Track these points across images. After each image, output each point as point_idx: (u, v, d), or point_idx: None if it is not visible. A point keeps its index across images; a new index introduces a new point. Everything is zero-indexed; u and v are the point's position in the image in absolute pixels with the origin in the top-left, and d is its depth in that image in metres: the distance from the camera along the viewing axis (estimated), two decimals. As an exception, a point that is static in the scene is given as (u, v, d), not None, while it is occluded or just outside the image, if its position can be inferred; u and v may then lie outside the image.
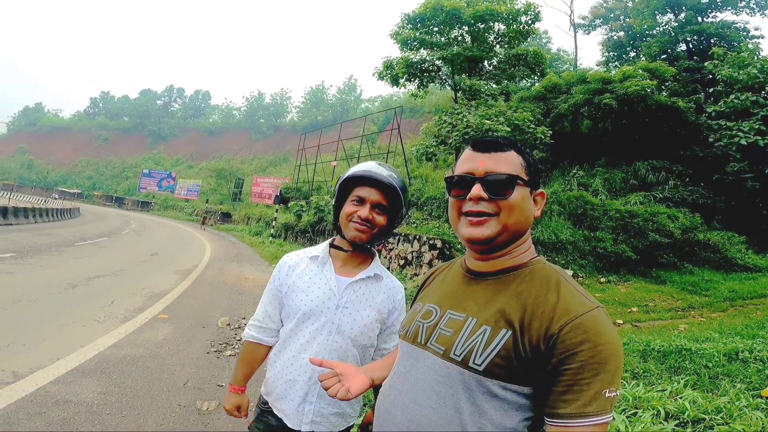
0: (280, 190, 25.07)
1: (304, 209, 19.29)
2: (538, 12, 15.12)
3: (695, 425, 2.25)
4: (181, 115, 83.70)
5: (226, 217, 35.56)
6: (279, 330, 1.39)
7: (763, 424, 2.14)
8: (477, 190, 0.86)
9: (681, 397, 2.61)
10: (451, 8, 14.96)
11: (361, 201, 1.29)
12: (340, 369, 1.00)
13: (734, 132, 13.59)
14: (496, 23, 15.37)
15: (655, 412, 2.44)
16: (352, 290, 1.31)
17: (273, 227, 21.44)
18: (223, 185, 45.92)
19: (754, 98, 13.89)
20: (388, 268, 12.12)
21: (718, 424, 2.20)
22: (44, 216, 19.05)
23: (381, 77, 17.18)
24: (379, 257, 1.88)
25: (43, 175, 70.52)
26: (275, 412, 1.32)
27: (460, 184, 0.90)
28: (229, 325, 5.43)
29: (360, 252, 1.36)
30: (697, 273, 10.54)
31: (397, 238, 11.82)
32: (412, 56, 15.99)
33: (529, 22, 15.17)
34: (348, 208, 1.31)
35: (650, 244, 11.14)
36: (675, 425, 2.25)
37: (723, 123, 14.21)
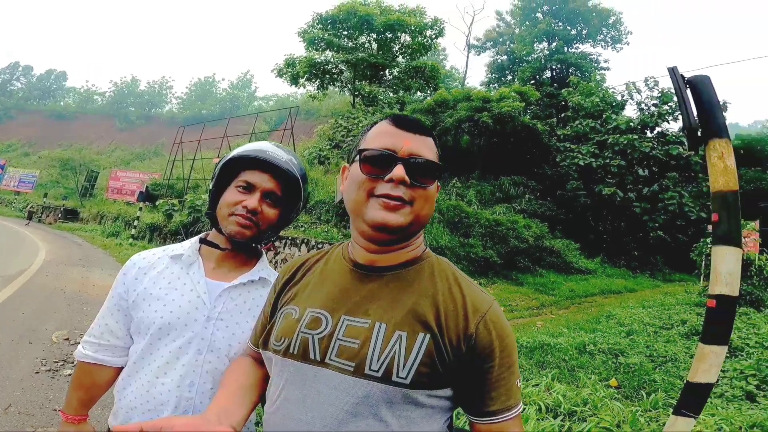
0: (147, 186, 22.05)
1: (176, 208, 17.25)
2: (443, 28, 16.22)
3: (571, 417, 2.50)
4: (23, 95, 69.67)
5: (71, 214, 29.68)
6: (128, 348, 1.07)
7: (622, 413, 2.48)
8: (400, 171, 0.74)
9: (554, 391, 2.90)
10: (365, 14, 15.15)
11: (249, 188, 1.04)
12: (182, 427, 0.68)
13: (575, 154, 16.48)
14: (403, 34, 16.00)
15: (537, 407, 2.63)
16: (229, 297, 1.03)
17: (135, 227, 18.67)
18: (69, 177, 38.37)
19: (593, 124, 17.03)
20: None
21: (588, 416, 2.48)
22: None
23: (280, 75, 16.58)
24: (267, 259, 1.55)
25: None
26: None
27: (376, 161, 0.76)
28: (67, 339, 4.57)
29: (242, 251, 1.09)
30: (545, 275, 12.34)
31: (283, 242, 11.27)
32: (317, 56, 15.72)
33: (434, 36, 16.14)
34: (231, 195, 1.04)
35: (511, 250, 12.71)
36: (552, 417, 2.46)
37: (568, 145, 17.12)
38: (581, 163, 16.16)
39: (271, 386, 0.81)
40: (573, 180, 16.74)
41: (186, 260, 1.06)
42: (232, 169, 1.06)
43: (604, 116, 17.07)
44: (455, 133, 18.29)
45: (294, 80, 16.36)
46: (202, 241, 1.08)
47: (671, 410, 1.82)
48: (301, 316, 0.79)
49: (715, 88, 2.15)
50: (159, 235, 17.37)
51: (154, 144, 53.22)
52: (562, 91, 20.41)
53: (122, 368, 1.06)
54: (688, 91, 2.14)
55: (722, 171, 2.06)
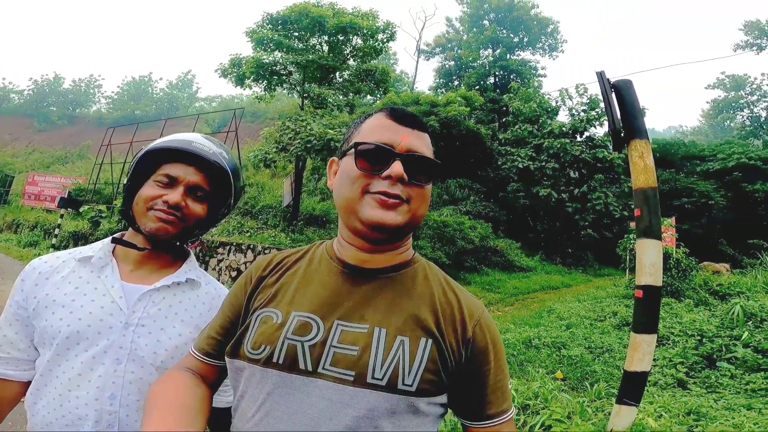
0: (69, 192, 20.02)
1: (103, 215, 15.88)
2: (395, 32, 16.28)
3: (524, 411, 2.59)
4: None
5: (-22, 223, 26.32)
6: (33, 360, 0.94)
7: (571, 405, 2.60)
8: (398, 168, 0.70)
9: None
10: (317, 15, 14.86)
11: (171, 182, 0.95)
12: None
13: (515, 157, 17.34)
14: (355, 37, 15.88)
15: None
16: (151, 302, 0.94)
17: (55, 236, 16.93)
18: (-23, 182, 33.97)
19: (531, 129, 18.00)
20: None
21: (540, 409, 2.57)
22: None
23: (224, 75, 15.83)
24: (200, 260, 1.40)
25: None
26: None
27: (373, 156, 0.72)
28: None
29: (165, 251, 1.00)
30: (491, 274, 12.87)
31: (228, 248, 10.77)
32: (265, 57, 15.16)
33: (385, 40, 16.17)
34: (149, 190, 0.95)
35: (459, 250, 13.09)
36: None
37: (508, 149, 17.99)
38: (520, 165, 17.05)
39: (243, 401, 0.71)
40: (513, 182, 17.64)
41: (97, 263, 0.95)
42: (150, 162, 0.97)
43: (540, 121, 18.12)
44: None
45: (240, 81, 15.72)
46: (115, 240, 0.97)
47: (614, 399, 1.94)
48: (285, 320, 0.72)
49: (637, 93, 2.36)
50: (84, 243, 15.85)
51: (78, 146, 48.58)
52: (504, 96, 21.46)
53: (29, 382, 0.94)
54: (614, 95, 2.31)
55: (642, 169, 2.24)
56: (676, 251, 8.28)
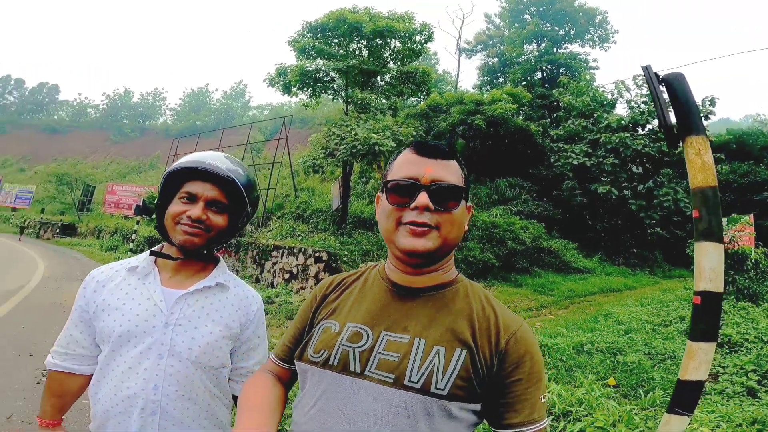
0: (144, 200, 21.94)
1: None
2: (432, 33, 16.28)
3: (565, 418, 2.51)
4: (15, 109, 68.79)
5: (68, 229, 29.60)
6: (95, 356, 1.12)
7: (618, 412, 2.50)
8: (424, 199, 0.78)
9: (549, 392, 2.90)
10: (354, 21, 15.20)
11: (192, 198, 1.08)
12: None
13: (569, 154, 16.51)
14: (393, 40, 16.06)
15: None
16: (186, 304, 1.08)
17: (133, 241, 18.62)
18: (66, 192, 38.18)
19: (585, 124, 17.09)
20: (272, 284, 11.40)
21: (583, 416, 2.49)
22: None
23: (272, 84, 16.55)
24: (228, 264, 1.62)
25: None
26: None
27: (401, 191, 0.81)
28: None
29: (196, 259, 1.14)
30: (544, 276, 12.36)
31: (281, 251, 11.28)
32: (308, 65, 15.72)
33: (423, 41, 16.22)
34: (175, 207, 1.09)
35: (509, 252, 12.73)
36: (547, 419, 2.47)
37: (561, 145, 17.17)
38: (575, 162, 16.20)
39: (303, 398, 0.83)
40: (568, 180, 16.81)
41: (141, 271, 1.11)
42: (175, 181, 1.10)
43: (595, 115, 17.13)
44: (450, 137, 18.38)
45: (286, 89, 16.35)
46: (153, 253, 1.12)
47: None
48: (341, 330, 0.83)
49: (692, 85, 2.18)
50: (157, 247, 17.31)
51: (149, 156, 53.01)
52: (553, 91, 20.52)
53: (91, 376, 1.11)
54: (664, 90, 2.18)
55: (700, 167, 2.10)
56: (755, 251, 7.50)
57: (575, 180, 16.64)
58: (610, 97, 17.91)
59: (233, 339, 1.12)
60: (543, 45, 26.48)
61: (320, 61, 16.16)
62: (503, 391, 0.76)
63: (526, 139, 18.26)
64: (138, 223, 19.21)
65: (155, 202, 1.14)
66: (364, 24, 15.42)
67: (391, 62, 16.84)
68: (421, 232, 0.78)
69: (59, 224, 30.24)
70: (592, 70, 25.28)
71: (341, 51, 16.38)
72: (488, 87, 27.60)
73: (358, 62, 15.48)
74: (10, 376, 3.83)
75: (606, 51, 28.46)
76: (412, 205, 0.79)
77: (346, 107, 16.39)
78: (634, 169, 15.77)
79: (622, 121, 16.21)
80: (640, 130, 16.48)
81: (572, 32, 26.90)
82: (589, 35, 27.10)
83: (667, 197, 14.95)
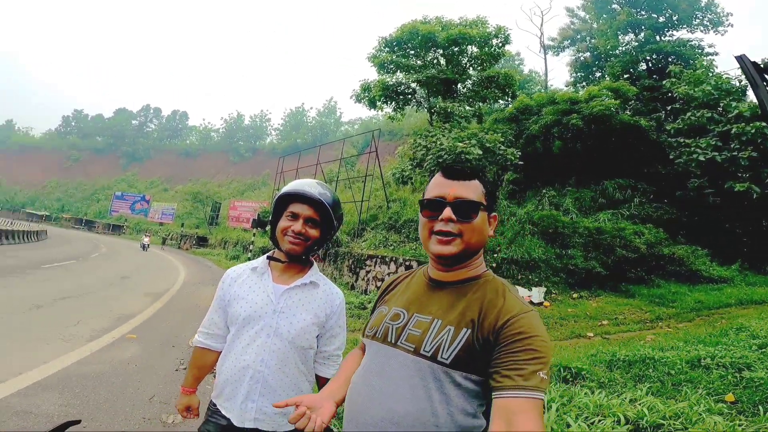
0: (258, 214, 24.84)
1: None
2: (508, 35, 15.78)
3: (655, 431, 2.31)
4: (157, 135, 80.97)
5: (202, 241, 34.84)
6: (225, 336, 1.49)
7: (723, 428, 2.21)
8: (448, 212, 1.00)
9: (641, 404, 2.68)
10: (427, 32, 15.44)
11: (294, 216, 1.41)
12: (307, 402, 1.02)
13: (693, 149, 14.31)
14: (469, 46, 15.91)
15: (616, 419, 2.49)
16: (288, 296, 1.42)
17: (251, 251, 21.12)
18: (199, 209, 44.98)
19: (710, 115, 14.73)
20: (365, 291, 11.99)
21: (676, 429, 2.27)
22: (10, 238, 18.40)
23: (359, 100, 17.38)
24: (320, 267, 2.03)
25: (11, 196, 67.48)
26: (223, 412, 1.40)
27: (432, 207, 1.04)
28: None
29: (297, 263, 1.48)
30: (663, 286, 10.88)
31: (374, 260, 11.84)
32: (388, 79, 16.27)
33: (500, 44, 15.79)
34: (283, 223, 1.43)
35: (618, 260, 11.48)
36: (631, 430, 2.31)
37: (682, 140, 14.96)
38: (701, 158, 13.96)
39: (363, 360, 1.10)
40: (695, 178, 14.55)
41: (259, 271, 1.48)
42: (282, 203, 1.45)
43: (721, 105, 14.64)
44: (544, 140, 17.33)
45: (372, 104, 17.06)
46: (269, 257, 1.49)
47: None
48: (388, 312, 1.09)
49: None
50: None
51: (261, 174, 59.21)
52: (664, 82, 18.01)
53: (220, 353, 1.50)
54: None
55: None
56: None
57: (704, 178, 14.35)
58: (737, 83, 15.19)
59: (320, 326, 1.44)
60: (642, 34, 23.56)
61: (400, 74, 16.56)
62: (499, 360, 0.87)
63: (637, 136, 16.33)
64: (254, 235, 21.79)
65: (268, 218, 1.57)
66: (437, 33, 15.48)
67: (471, 68, 16.59)
68: (446, 241, 1.00)
69: (195, 236, 35.70)
70: (709, 57, 21.74)
71: (419, 62, 16.61)
72: (583, 83, 25.32)
73: (436, 72, 15.56)
74: (155, 364, 4.40)
75: (722, 35, 24.18)
76: (440, 218, 1.01)
77: (430, 117, 16.54)
78: (780, 162, 13.09)
79: (758, 110, 13.58)
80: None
81: (675, 18, 23.51)
82: (697, 20, 23.38)
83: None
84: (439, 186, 1.05)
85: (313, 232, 1.41)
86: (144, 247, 26.16)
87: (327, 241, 1.49)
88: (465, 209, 1.00)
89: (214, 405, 1.44)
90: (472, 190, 1.03)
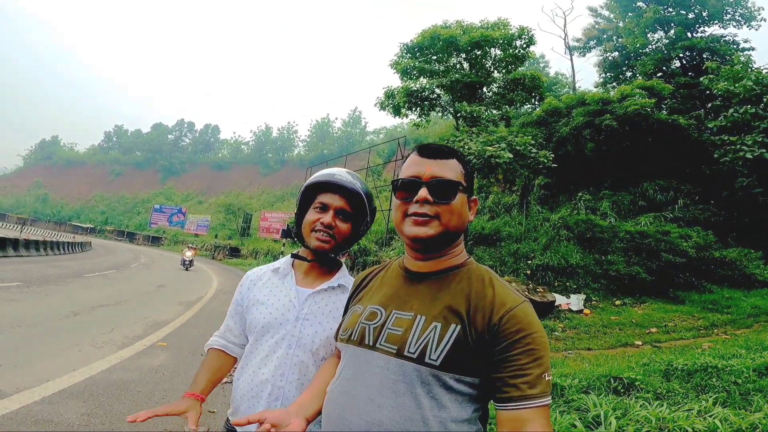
0: (288, 225, 25.26)
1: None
2: (532, 36, 15.43)
3: None
4: (191, 149, 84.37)
5: (234, 251, 35.76)
6: (242, 345, 1.33)
7: None
8: (423, 193, 0.89)
9: (711, 416, 2.41)
10: (448, 36, 15.30)
11: (324, 208, 1.24)
12: (271, 419, 0.88)
13: (738, 146, 13.42)
14: (492, 49, 15.64)
15: (684, 432, 2.22)
16: (313, 301, 1.24)
17: (280, 260, 21.46)
18: (231, 220, 46.43)
19: (753, 110, 13.81)
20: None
21: None
22: (55, 249, 19.27)
23: (383, 107, 17.29)
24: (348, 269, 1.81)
25: (57, 210, 71.80)
26: (239, 430, 1.21)
27: (406, 187, 0.93)
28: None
29: (324, 262, 1.31)
30: (716, 291, 10.18)
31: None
32: (412, 85, 16.13)
33: (524, 46, 15.45)
34: (310, 215, 1.26)
35: (664, 265, 10.82)
36: None
37: (726, 138, 14.08)
38: (749, 156, 13.05)
39: (339, 368, 0.97)
40: (743, 177, 13.62)
41: (281, 272, 1.31)
42: (309, 194, 1.29)
43: (764, 100, 13.69)
44: (575, 142, 16.75)
45: (396, 111, 16.85)
46: (293, 255, 1.34)
47: None
48: (363, 311, 0.96)
49: None
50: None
51: (290, 185, 60.47)
52: (701, 79, 17.14)
53: (236, 361, 1.33)
54: None
55: None
56: None
57: (752, 176, 13.41)
58: (778, 77, 14.21)
59: None
60: (672, 31, 22.68)
61: (423, 80, 16.39)
62: (500, 366, 0.78)
63: (676, 135, 15.53)
64: (284, 245, 22.19)
65: (295, 214, 1.39)
66: (459, 37, 15.29)
67: (495, 71, 16.29)
68: (422, 221, 0.89)
69: (228, 247, 36.71)
70: (746, 52, 20.64)
71: (441, 67, 16.42)
72: (614, 83, 24.50)
73: (460, 76, 15.34)
74: (186, 370, 4.43)
75: (756, 30, 22.89)
76: (415, 199, 0.89)
77: (456, 122, 16.30)
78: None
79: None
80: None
81: (704, 14, 22.49)
82: (728, 15, 22.26)
83: None
84: (414, 165, 0.93)
85: (344, 226, 1.24)
86: (185, 264, 19.27)
87: (360, 237, 1.31)
88: (442, 189, 0.89)
89: (229, 423, 1.27)
90: (449, 169, 0.92)
